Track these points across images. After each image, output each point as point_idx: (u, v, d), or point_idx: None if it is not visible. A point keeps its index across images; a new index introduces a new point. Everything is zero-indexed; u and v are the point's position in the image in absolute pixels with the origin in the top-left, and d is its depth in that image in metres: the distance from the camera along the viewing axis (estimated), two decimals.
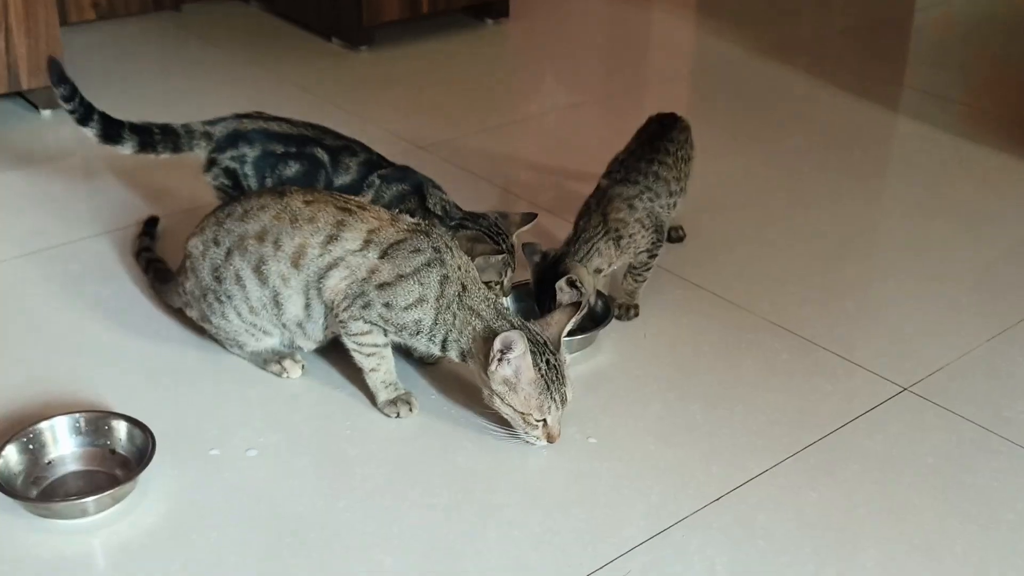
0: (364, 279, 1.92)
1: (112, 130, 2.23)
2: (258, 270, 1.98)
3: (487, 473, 1.90)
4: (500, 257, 1.99)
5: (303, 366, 2.11)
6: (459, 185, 2.84)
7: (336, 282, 1.94)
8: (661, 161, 2.31)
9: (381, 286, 1.92)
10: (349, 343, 1.99)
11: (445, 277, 1.91)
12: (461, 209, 2.21)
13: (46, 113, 3.17)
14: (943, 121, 3.33)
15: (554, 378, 1.86)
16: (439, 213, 2.17)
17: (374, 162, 2.26)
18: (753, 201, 2.85)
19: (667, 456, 1.94)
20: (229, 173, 2.21)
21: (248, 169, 2.20)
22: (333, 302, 1.95)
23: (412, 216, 2.13)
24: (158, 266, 2.34)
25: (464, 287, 1.92)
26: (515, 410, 1.87)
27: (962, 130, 3.28)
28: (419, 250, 1.92)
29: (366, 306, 1.93)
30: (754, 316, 2.34)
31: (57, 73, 2.22)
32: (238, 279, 2.00)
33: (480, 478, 1.88)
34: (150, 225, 2.50)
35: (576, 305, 1.96)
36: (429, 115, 3.30)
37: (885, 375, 2.16)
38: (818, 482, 1.89)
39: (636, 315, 2.31)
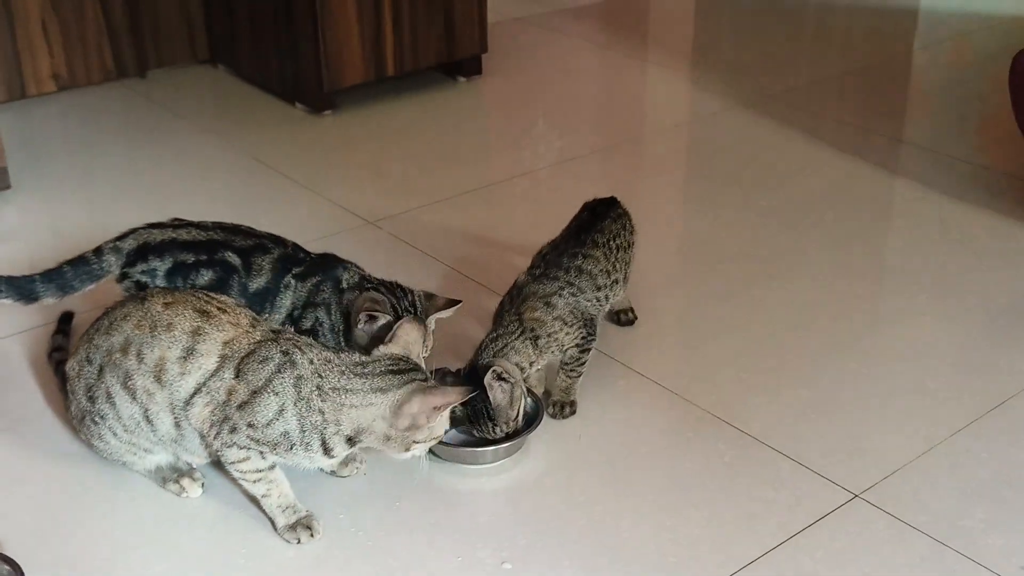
0: (224, 402, 1.80)
1: (26, 289, 2.15)
2: (126, 385, 1.86)
3: None
4: (380, 323, 1.87)
5: (203, 484, 1.97)
6: (404, 263, 2.72)
7: (200, 410, 1.82)
8: (587, 255, 2.15)
9: (241, 406, 1.79)
10: (232, 472, 1.86)
11: (299, 378, 1.77)
12: (385, 282, 2.10)
13: None
14: (933, 178, 3.15)
15: None
16: (355, 282, 2.07)
17: (289, 256, 2.14)
18: (713, 272, 2.68)
19: None
20: (141, 287, 2.10)
21: (160, 282, 2.10)
22: (202, 431, 1.83)
23: (329, 307, 2.05)
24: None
25: (321, 376, 1.77)
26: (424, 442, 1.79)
27: (949, 188, 3.09)
28: (267, 359, 1.79)
29: (233, 430, 1.80)
30: (699, 410, 2.18)
31: None
32: (108, 397, 1.88)
33: None
34: (64, 322, 2.38)
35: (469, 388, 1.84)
36: (386, 185, 3.17)
37: (834, 479, 1.99)
38: None
39: (572, 412, 2.16)
